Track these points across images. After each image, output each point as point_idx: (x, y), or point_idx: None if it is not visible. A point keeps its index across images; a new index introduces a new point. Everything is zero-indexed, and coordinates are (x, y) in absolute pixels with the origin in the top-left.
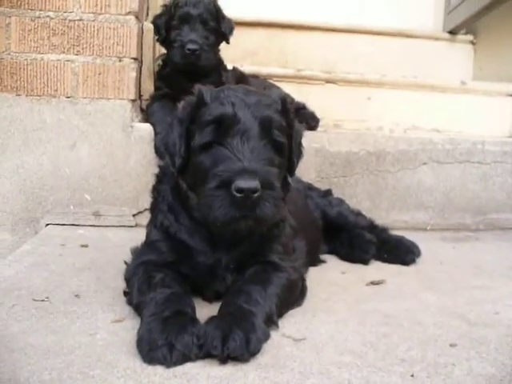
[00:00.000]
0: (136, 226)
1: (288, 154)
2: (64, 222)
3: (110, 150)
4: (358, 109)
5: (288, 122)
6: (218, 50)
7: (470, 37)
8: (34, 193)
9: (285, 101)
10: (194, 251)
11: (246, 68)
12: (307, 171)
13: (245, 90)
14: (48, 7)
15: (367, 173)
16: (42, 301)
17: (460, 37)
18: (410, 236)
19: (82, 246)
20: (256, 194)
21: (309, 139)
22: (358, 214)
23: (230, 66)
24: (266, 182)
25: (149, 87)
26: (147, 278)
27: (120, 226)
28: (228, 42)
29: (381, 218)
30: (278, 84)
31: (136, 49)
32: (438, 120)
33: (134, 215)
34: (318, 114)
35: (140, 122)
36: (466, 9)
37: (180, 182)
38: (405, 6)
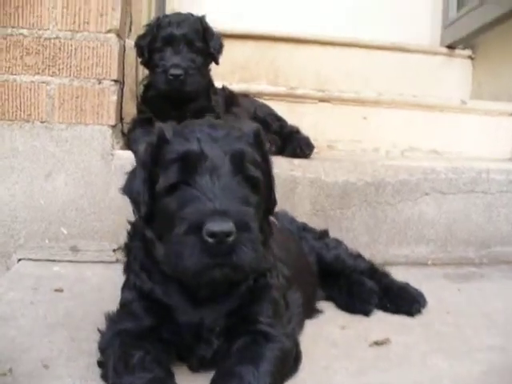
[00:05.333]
0: (117, 261)
1: (265, 190)
2: (38, 257)
3: (89, 180)
4: (353, 129)
5: (263, 156)
6: (208, 71)
7: (468, 51)
8: (6, 225)
9: (258, 133)
10: (172, 310)
11: (236, 86)
12: (301, 203)
13: (211, 124)
14: (21, 24)
15: (365, 205)
16: (4, 375)
17: (458, 51)
18: (410, 273)
19: (57, 290)
20: (230, 238)
21: (303, 169)
22: (357, 256)
23: (218, 83)
24: (241, 224)
25: (131, 110)
26: (124, 356)
27: (99, 262)
28: (217, 63)
29: (379, 253)
30: (268, 103)
31: (117, 70)
32: (436, 140)
33: (114, 250)
34: (312, 135)
35: (121, 148)
36: (467, 24)
37: (147, 232)
38: (400, 18)
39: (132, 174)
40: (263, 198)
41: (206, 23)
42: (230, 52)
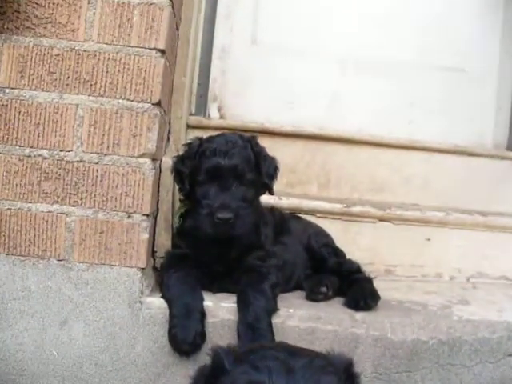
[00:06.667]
0: None
1: None
2: None
3: (112, 331)
4: (414, 251)
5: None
6: (259, 201)
7: None
8: (10, 380)
9: (350, 367)
10: None
11: (285, 201)
12: (362, 365)
13: (287, 350)
14: (41, 144)
15: (437, 367)
16: None
17: None
18: None
19: None
20: None
21: (367, 325)
22: None
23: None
24: None
25: (165, 241)
26: None
27: None
28: (272, 193)
29: None
30: (321, 222)
31: (150, 202)
32: (508, 265)
33: None
34: (368, 257)
35: (151, 291)
36: None
37: None
38: (461, 119)
39: None
40: None
41: (256, 146)
42: (278, 152)
